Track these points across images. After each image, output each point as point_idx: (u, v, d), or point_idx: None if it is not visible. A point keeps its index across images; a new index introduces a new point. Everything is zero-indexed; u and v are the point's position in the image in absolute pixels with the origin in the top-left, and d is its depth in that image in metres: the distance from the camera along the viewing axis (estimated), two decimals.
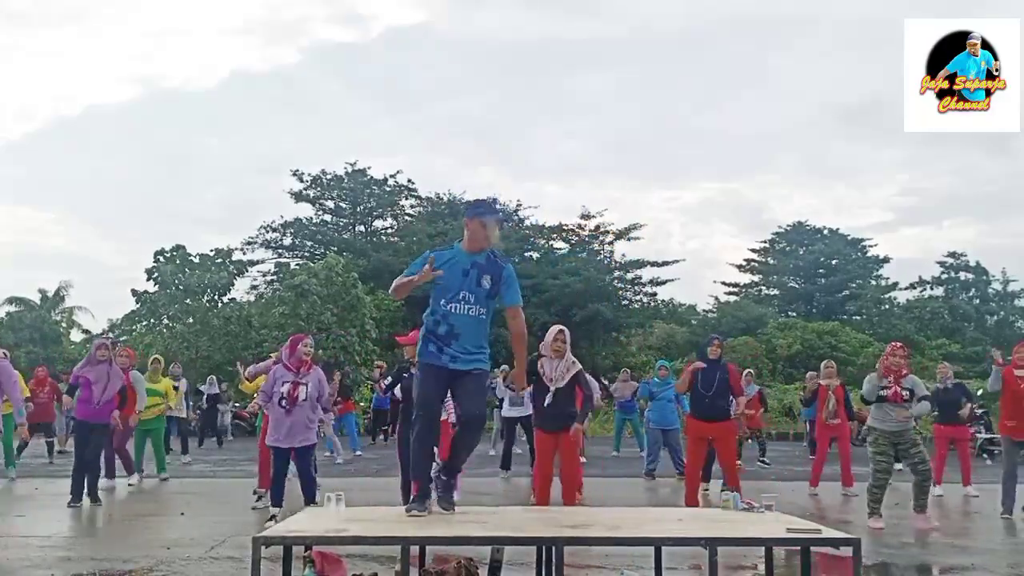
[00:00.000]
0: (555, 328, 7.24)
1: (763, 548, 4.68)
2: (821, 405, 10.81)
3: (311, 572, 4.44)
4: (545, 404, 7.10)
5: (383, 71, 56.77)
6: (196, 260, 27.40)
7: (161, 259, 26.97)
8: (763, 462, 13.92)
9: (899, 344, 8.04)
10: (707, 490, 9.98)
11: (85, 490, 8.86)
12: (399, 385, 7.75)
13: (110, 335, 32.12)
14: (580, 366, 7.23)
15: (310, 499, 7.45)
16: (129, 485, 10.42)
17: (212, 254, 27.99)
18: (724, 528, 4.23)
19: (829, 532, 4.26)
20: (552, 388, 7.05)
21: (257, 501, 8.65)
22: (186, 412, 15.83)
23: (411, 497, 4.76)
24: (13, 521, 7.87)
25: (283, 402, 7.27)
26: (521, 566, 5.14)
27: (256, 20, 57.56)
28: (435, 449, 4.90)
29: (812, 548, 4.41)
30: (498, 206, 5.54)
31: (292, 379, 7.33)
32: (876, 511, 7.87)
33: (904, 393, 7.69)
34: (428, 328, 4.80)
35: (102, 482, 9.61)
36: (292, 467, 7.53)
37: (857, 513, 9.15)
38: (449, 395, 7.49)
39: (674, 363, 27.66)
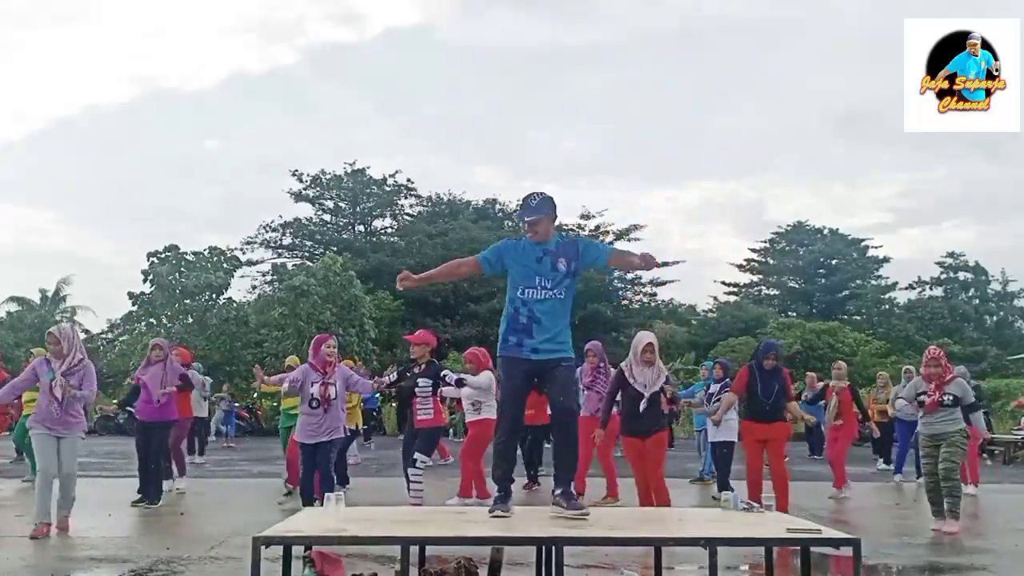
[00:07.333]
0: (644, 338, 7.40)
1: (763, 548, 4.68)
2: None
3: (311, 572, 4.44)
4: (641, 410, 7.29)
5: (382, 71, 56.64)
6: (191, 259, 27.36)
7: (155, 260, 26.93)
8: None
9: (933, 355, 7.91)
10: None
11: (159, 488, 8.79)
12: (401, 384, 7.78)
13: (109, 335, 32.14)
14: (667, 372, 7.56)
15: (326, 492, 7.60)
16: (176, 490, 9.78)
17: (207, 253, 27.95)
18: (724, 528, 4.22)
19: (829, 532, 4.25)
20: (647, 394, 7.28)
21: (286, 495, 8.78)
22: (206, 411, 15.67)
23: (494, 497, 4.66)
24: (13, 521, 7.86)
25: (314, 403, 7.40)
26: (521, 566, 5.14)
27: (254, 20, 57.43)
28: (518, 450, 4.89)
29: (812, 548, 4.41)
30: (534, 202, 5.38)
31: (321, 380, 7.45)
32: (938, 513, 7.77)
33: (946, 398, 7.65)
34: (508, 320, 4.71)
35: (178, 482, 9.75)
36: None
37: (857, 513, 9.16)
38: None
39: (673, 363, 27.65)
